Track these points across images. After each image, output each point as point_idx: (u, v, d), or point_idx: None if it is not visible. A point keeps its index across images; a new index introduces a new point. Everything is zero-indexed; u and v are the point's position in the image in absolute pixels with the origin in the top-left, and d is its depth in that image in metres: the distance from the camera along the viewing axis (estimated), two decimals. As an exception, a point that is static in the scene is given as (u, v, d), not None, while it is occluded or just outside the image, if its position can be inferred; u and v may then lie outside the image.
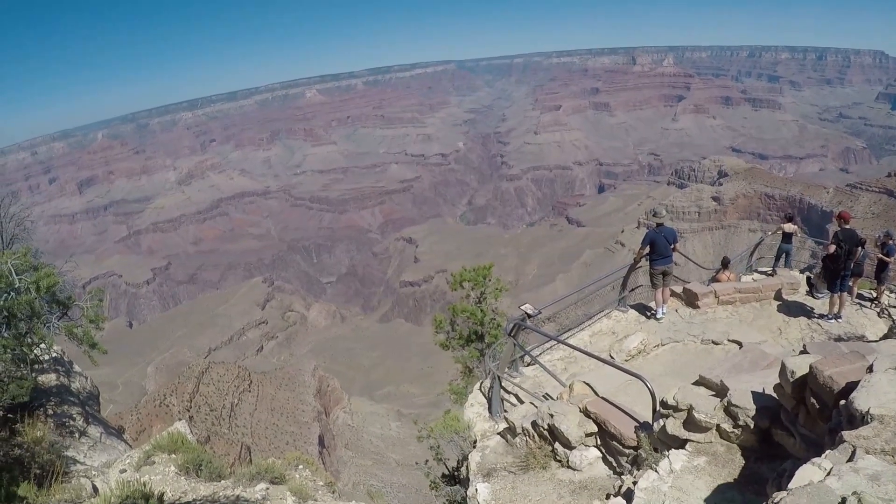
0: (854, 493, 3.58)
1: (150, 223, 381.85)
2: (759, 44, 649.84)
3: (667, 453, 7.64)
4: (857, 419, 4.99)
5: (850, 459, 4.24)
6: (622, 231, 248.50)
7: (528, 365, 13.90)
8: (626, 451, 9.12)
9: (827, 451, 4.51)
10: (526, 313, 13.01)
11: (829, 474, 3.93)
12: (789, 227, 21.90)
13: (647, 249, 15.96)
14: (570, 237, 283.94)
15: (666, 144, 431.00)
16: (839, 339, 14.99)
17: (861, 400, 5.29)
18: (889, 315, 18.16)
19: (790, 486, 3.71)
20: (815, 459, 4.23)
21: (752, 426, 7.39)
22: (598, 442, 9.74)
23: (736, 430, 7.50)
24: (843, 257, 15.78)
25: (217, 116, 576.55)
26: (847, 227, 16.20)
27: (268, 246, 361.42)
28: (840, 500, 3.55)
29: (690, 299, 16.73)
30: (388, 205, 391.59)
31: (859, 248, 16.35)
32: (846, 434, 4.66)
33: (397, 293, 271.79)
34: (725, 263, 19.10)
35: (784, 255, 21.85)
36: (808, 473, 3.99)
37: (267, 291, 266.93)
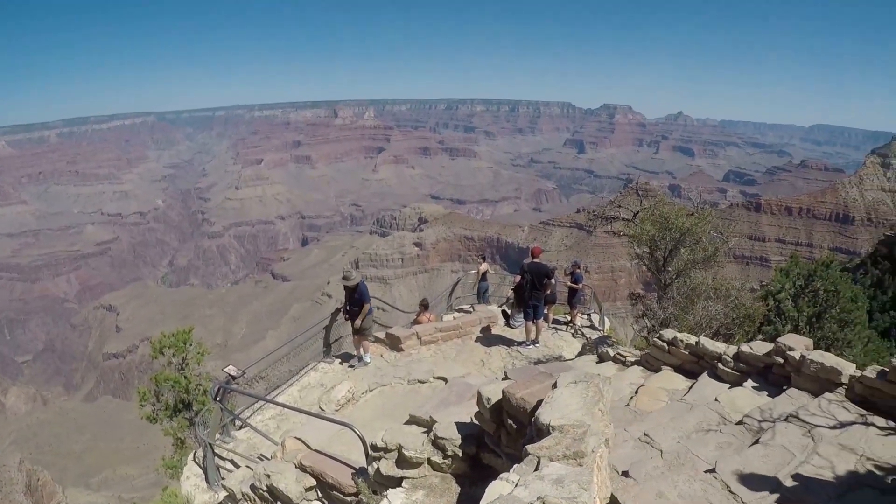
0: (539, 497, 3.82)
1: None
2: (456, 97, 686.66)
3: (385, 494, 7.75)
4: (544, 432, 5.35)
5: (537, 469, 4.52)
6: (328, 282, 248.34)
7: (241, 428, 13.55)
8: (348, 498, 9.13)
9: (515, 465, 4.78)
10: (230, 375, 12.74)
11: (517, 485, 4.16)
12: (484, 266, 23.10)
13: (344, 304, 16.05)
14: (276, 292, 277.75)
15: (367, 195, 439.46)
16: (538, 361, 15.96)
17: (545, 414, 5.68)
18: (582, 335, 19.64)
19: (482, 503, 3.90)
20: (504, 474, 4.44)
21: (460, 454, 7.63)
22: (320, 495, 9.68)
23: (446, 461, 7.70)
24: (527, 287, 16.76)
25: None
26: (536, 260, 17.23)
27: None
28: (527, 506, 3.77)
29: (394, 343, 16.98)
30: (85, 270, 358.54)
31: (548, 279, 17.43)
32: (530, 447, 4.96)
33: (101, 367, 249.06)
34: (424, 305, 19.58)
35: (483, 292, 22.96)
36: (497, 488, 4.18)
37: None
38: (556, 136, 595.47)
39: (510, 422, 6.91)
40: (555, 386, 6.55)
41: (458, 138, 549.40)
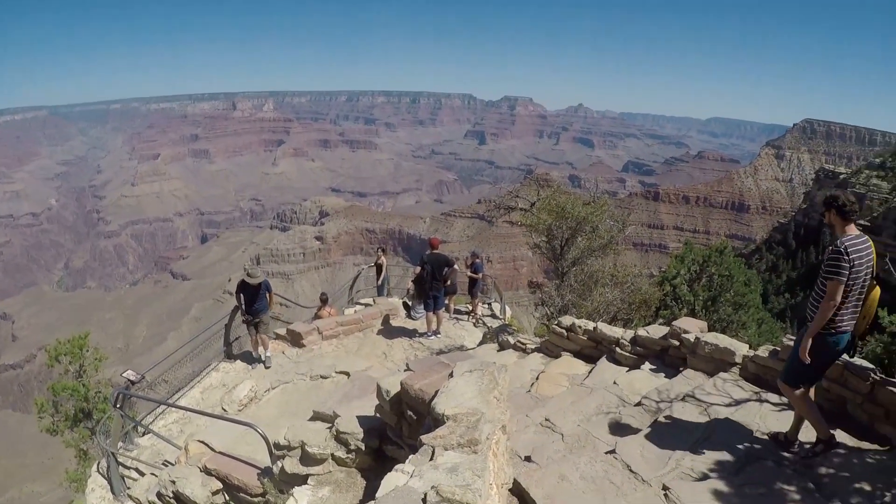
0: (433, 486, 3.79)
1: None
2: (357, 89, 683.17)
3: (291, 492, 7.65)
4: (440, 422, 5.33)
5: (432, 459, 4.50)
6: (229, 280, 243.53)
7: (144, 434, 13.17)
8: (255, 499, 8.99)
9: (410, 456, 4.75)
10: (129, 380, 12.40)
11: (412, 476, 4.13)
12: (382, 258, 23.04)
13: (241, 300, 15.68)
14: (177, 292, 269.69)
15: (267, 189, 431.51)
16: (440, 352, 15.98)
17: (441, 404, 5.66)
18: (483, 324, 19.77)
19: (378, 495, 3.86)
20: (399, 465, 4.42)
21: (363, 448, 7.59)
22: (227, 497, 9.51)
23: (350, 455, 7.65)
24: (428, 278, 16.78)
25: None
26: (435, 251, 17.23)
27: None
28: (422, 496, 3.74)
29: (295, 339, 16.77)
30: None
31: (448, 269, 17.47)
32: (424, 437, 4.94)
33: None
34: (324, 300, 19.39)
35: (383, 285, 22.90)
36: (393, 480, 4.15)
37: None
38: (457, 128, 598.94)
39: (410, 413, 6.90)
40: (451, 375, 6.54)
41: (358, 130, 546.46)
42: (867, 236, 6.64)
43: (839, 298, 6.45)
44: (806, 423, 7.30)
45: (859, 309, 6.69)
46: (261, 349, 15.58)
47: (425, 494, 3.74)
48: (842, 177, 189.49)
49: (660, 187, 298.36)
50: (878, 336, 21.36)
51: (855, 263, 6.37)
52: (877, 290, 6.74)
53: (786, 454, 7.27)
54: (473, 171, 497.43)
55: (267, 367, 15.36)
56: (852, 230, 6.58)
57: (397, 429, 7.34)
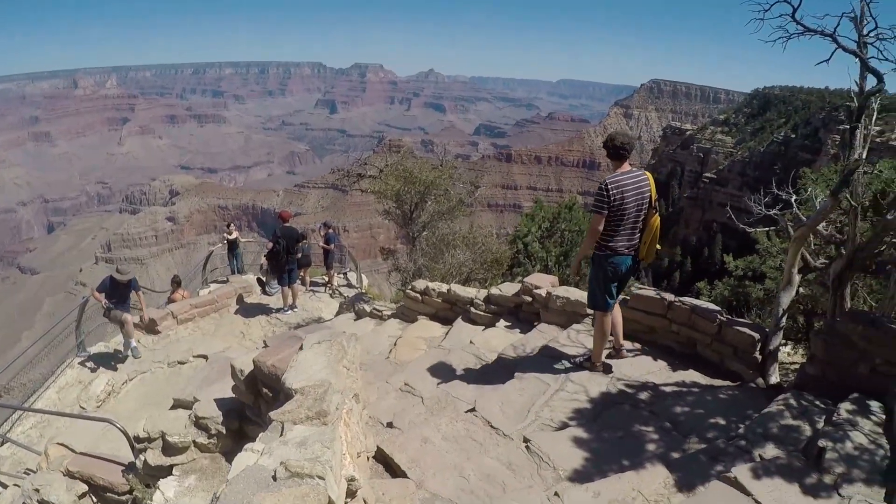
0: (282, 462, 3.77)
1: None
2: (203, 61, 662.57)
3: (157, 485, 7.47)
4: (291, 396, 5.29)
5: (282, 435, 4.47)
6: (80, 270, 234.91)
7: (2, 444, 12.58)
8: (123, 497, 8.72)
9: (260, 434, 4.70)
10: (-23, 389, 11.89)
11: (262, 454, 4.09)
12: (232, 235, 22.58)
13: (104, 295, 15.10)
14: (26, 288, 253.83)
15: (113, 170, 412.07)
16: (298, 326, 15.90)
17: (290, 378, 5.62)
18: (340, 294, 19.76)
19: (229, 476, 3.80)
20: (249, 445, 4.36)
21: (224, 431, 7.46)
22: (94, 499, 9.22)
23: (212, 440, 7.50)
24: (283, 253, 16.62)
25: None
26: (287, 224, 17.07)
27: None
28: (272, 473, 3.72)
29: (150, 326, 16.18)
30: None
31: (301, 241, 17.36)
32: (273, 413, 4.89)
33: None
34: (177, 282, 18.89)
35: (235, 261, 22.53)
36: (244, 459, 4.08)
37: None
38: (307, 98, 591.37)
39: (266, 391, 6.82)
40: (302, 349, 6.49)
41: (206, 104, 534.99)
42: (642, 172, 7.32)
43: (600, 228, 7.17)
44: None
45: (637, 235, 7.38)
46: (127, 341, 15.02)
47: (275, 471, 3.72)
48: (688, 133, 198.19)
49: (512, 149, 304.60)
50: (726, 280, 22.44)
51: (617, 197, 7.01)
52: (656, 218, 7.41)
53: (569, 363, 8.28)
54: (325, 141, 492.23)
55: (136, 357, 14.81)
56: (625, 167, 7.23)
57: (256, 408, 7.25)
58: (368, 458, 6.28)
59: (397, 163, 19.22)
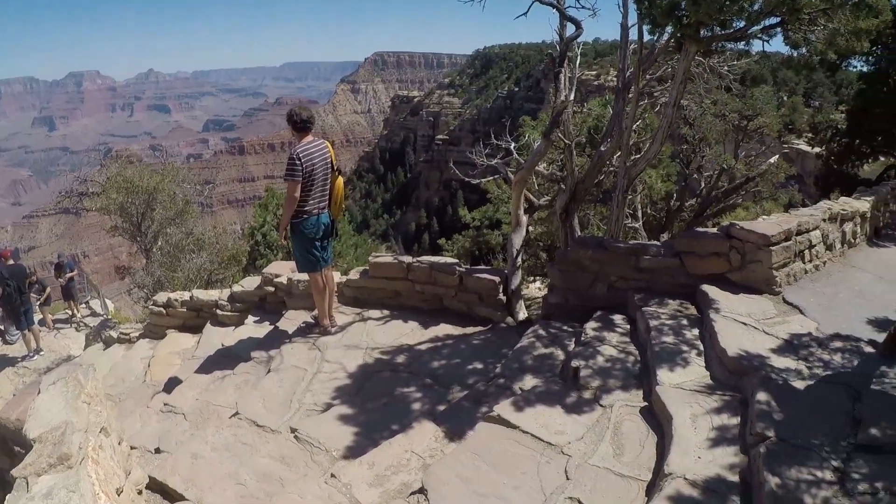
0: (24, 519, 3.61)
1: None
2: None
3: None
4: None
5: (28, 491, 4.19)
6: None
7: None
8: None
9: (7, 497, 4.38)
10: None
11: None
12: None
13: None
14: None
15: None
16: (49, 370, 14.99)
17: (31, 429, 5.08)
18: (85, 325, 18.84)
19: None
20: (-8, 504, 4.13)
21: None
22: None
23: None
24: (15, 294, 15.62)
25: None
26: (11, 263, 16.08)
27: None
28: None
29: None
30: None
31: (31, 281, 16.42)
32: (14, 471, 4.38)
33: None
34: None
35: None
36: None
37: None
38: (23, 117, 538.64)
39: (17, 448, 6.34)
40: (39, 393, 6.13)
41: None
42: (323, 141, 8.06)
43: (298, 194, 7.74)
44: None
45: (326, 196, 8.08)
46: None
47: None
48: (416, 100, 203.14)
49: (244, 140, 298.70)
50: (465, 232, 23.27)
51: (307, 164, 7.73)
52: (339, 180, 8.28)
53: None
54: (48, 163, 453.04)
55: None
56: (307, 138, 7.91)
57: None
58: (141, 492, 6.04)
59: (117, 174, 18.52)
